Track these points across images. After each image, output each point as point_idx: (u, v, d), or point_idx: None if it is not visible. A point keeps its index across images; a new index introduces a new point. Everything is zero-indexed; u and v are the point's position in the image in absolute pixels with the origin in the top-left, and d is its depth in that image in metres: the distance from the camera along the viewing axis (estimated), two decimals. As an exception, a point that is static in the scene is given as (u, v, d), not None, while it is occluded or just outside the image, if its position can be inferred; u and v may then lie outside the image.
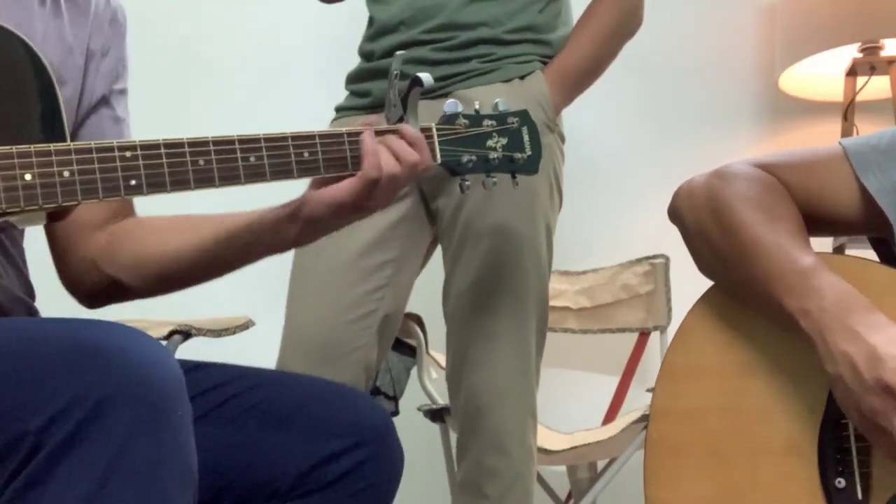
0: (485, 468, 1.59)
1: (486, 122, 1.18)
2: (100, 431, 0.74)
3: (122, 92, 1.21)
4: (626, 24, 1.64)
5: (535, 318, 1.60)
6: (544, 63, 1.61)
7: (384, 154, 1.06)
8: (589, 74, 1.63)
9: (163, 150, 0.97)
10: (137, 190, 0.96)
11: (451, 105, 1.18)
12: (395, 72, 1.15)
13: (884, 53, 2.32)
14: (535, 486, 2.23)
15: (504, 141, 1.18)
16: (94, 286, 1.17)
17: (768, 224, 1.11)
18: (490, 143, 1.18)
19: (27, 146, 0.91)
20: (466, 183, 1.19)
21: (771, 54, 2.56)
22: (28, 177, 0.91)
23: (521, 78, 1.58)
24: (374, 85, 1.63)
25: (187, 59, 2.58)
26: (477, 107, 1.19)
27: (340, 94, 1.72)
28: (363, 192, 1.04)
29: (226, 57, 2.61)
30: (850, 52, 2.35)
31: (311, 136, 1.04)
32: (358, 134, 1.07)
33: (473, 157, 1.16)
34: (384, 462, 1.07)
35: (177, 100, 2.51)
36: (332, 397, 1.10)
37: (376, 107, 1.61)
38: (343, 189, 1.04)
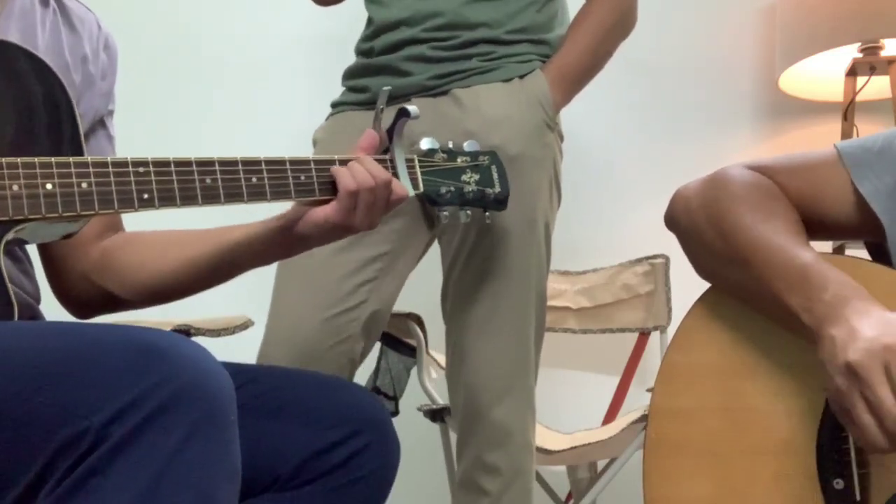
0: (485, 465, 1.59)
1: (461, 158, 1.27)
2: (160, 430, 0.77)
3: (112, 113, 1.28)
4: (621, 21, 1.65)
5: (534, 315, 1.61)
6: (543, 62, 1.62)
7: (358, 169, 1.11)
8: (587, 72, 1.64)
9: (173, 168, 1.03)
10: (149, 203, 1.01)
11: (427, 141, 1.25)
12: (381, 107, 1.22)
13: (884, 53, 2.32)
14: (536, 487, 2.24)
15: (477, 177, 1.27)
16: (86, 298, 1.21)
17: (766, 224, 1.11)
18: (465, 177, 1.27)
19: (48, 158, 0.97)
20: (444, 213, 1.26)
21: (771, 54, 2.56)
22: (49, 186, 0.96)
23: (521, 77, 1.59)
24: (372, 81, 1.63)
25: (182, 57, 2.58)
26: (450, 145, 1.27)
27: (334, 93, 1.71)
28: (346, 209, 1.10)
29: (221, 54, 2.61)
30: (850, 52, 2.35)
31: (306, 161, 1.11)
32: (348, 161, 1.14)
33: (451, 189, 1.25)
34: (382, 450, 1.10)
35: (172, 98, 2.52)
36: (329, 388, 1.14)
37: (373, 102, 1.61)
38: (330, 208, 1.11)
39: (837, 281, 1.03)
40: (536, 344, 1.62)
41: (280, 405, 1.09)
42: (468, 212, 1.28)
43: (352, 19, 1.73)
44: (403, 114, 1.19)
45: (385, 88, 1.24)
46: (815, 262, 1.06)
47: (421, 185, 1.21)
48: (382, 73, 1.62)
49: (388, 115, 1.22)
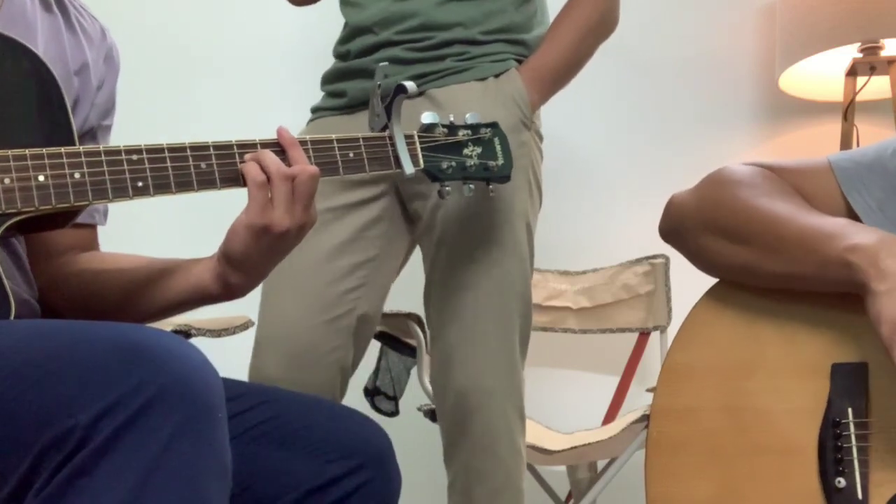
0: (473, 470, 1.57)
1: (462, 132, 1.25)
2: (147, 428, 0.76)
3: (109, 129, 1.25)
4: (602, 22, 1.63)
5: (518, 315, 1.59)
6: (519, 62, 1.60)
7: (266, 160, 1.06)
8: (565, 73, 1.62)
9: (167, 154, 1.02)
10: (144, 191, 1.01)
11: (428, 116, 1.23)
12: (378, 83, 1.20)
13: (884, 53, 2.32)
14: (536, 486, 2.24)
15: (479, 150, 1.26)
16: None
17: (784, 198, 1.13)
18: (466, 151, 1.25)
19: (40, 149, 0.96)
20: (447, 188, 1.24)
21: (771, 54, 2.56)
22: (41, 178, 0.95)
23: (496, 76, 1.57)
24: (349, 85, 1.62)
25: (170, 58, 2.58)
26: (452, 118, 1.25)
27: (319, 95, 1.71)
28: (260, 206, 1.04)
29: (209, 54, 2.61)
30: (850, 52, 2.35)
31: (303, 142, 1.10)
32: (354, 140, 1.13)
33: (453, 164, 1.23)
34: (383, 486, 1.09)
35: (160, 99, 2.52)
36: (336, 418, 1.12)
37: (352, 107, 1.61)
38: (244, 213, 1.05)
39: (878, 230, 1.05)
40: (522, 345, 1.60)
41: (289, 433, 1.08)
42: (471, 186, 1.26)
43: (342, 20, 1.73)
44: (400, 90, 1.17)
45: (382, 64, 1.23)
46: (847, 219, 1.08)
47: (421, 161, 1.20)
48: (358, 76, 1.61)
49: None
